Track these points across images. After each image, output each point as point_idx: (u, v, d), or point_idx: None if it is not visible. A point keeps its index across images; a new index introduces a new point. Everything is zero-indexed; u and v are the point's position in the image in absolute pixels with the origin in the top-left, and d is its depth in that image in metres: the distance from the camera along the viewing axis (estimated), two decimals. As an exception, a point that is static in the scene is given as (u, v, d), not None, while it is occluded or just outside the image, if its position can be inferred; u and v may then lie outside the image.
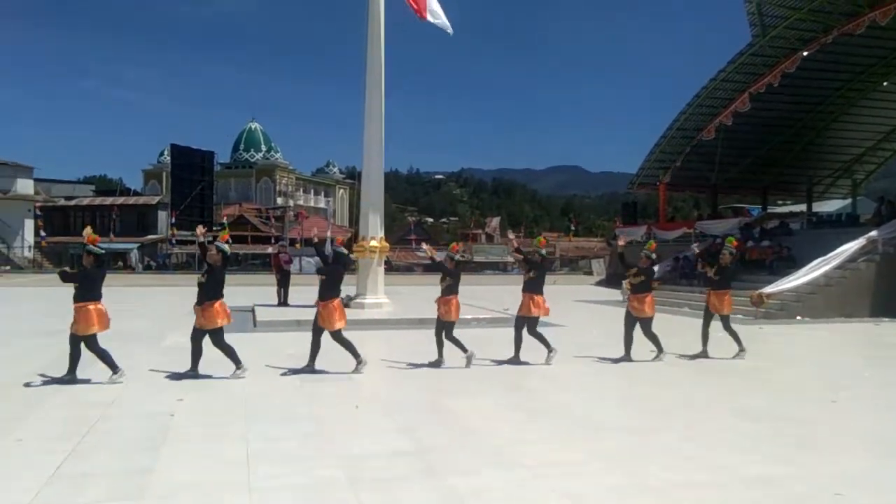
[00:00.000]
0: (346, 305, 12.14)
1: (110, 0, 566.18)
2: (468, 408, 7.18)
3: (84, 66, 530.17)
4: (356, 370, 8.82)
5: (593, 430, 6.31)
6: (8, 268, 45.91)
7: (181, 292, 24.80)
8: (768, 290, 17.14)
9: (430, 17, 15.92)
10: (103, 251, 8.19)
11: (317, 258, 9.86)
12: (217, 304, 8.19)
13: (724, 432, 6.25)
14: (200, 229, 8.83)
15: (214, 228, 52.28)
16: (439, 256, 9.99)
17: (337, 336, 8.89)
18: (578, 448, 5.71)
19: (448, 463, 5.22)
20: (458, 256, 9.82)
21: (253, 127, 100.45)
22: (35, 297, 22.80)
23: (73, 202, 60.32)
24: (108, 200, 60.81)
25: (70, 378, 7.93)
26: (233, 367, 8.37)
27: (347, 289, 13.25)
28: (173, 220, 54.78)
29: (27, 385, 7.85)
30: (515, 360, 9.78)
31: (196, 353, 8.36)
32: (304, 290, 18.69)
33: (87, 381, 7.92)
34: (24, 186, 50.79)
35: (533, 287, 9.65)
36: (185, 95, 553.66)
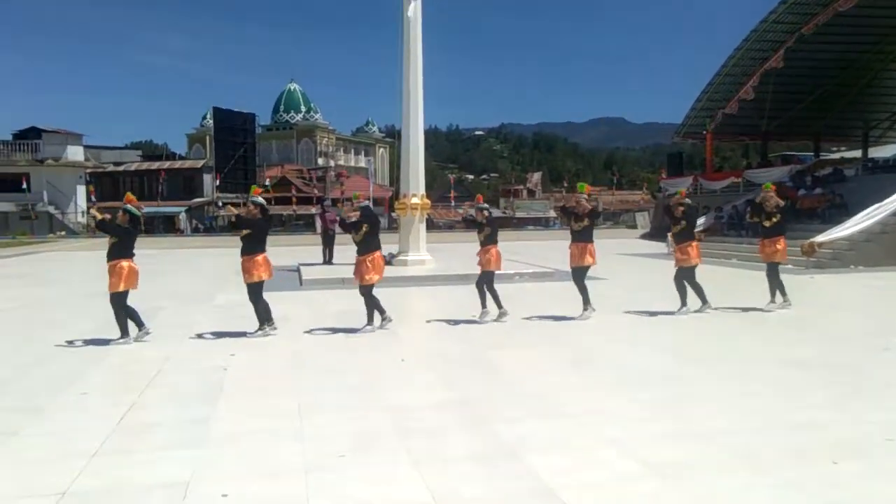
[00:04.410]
0: (389, 263, 12.28)
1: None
2: (512, 359, 7.27)
3: (128, 35, 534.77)
4: (382, 325, 8.89)
5: (637, 378, 6.33)
6: (63, 233, 47.59)
7: (229, 252, 25.38)
8: (820, 238, 16.67)
9: None
10: (140, 213, 8.26)
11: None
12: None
13: (770, 380, 6.19)
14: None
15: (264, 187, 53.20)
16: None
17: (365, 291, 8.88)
18: (622, 396, 5.73)
19: (492, 412, 5.30)
20: (485, 206, 9.78)
21: (292, 88, 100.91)
22: (89, 261, 23.62)
23: (121, 167, 61.95)
24: (155, 165, 62.28)
25: (124, 339, 8.03)
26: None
27: (390, 247, 13.40)
28: (218, 182, 55.77)
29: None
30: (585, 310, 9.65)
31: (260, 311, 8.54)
32: (348, 249, 18.95)
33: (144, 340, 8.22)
34: (75, 153, 52.16)
35: (581, 237, 9.53)
36: (226, 60, 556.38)
